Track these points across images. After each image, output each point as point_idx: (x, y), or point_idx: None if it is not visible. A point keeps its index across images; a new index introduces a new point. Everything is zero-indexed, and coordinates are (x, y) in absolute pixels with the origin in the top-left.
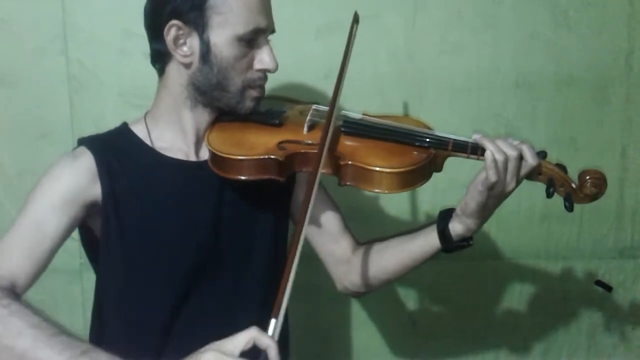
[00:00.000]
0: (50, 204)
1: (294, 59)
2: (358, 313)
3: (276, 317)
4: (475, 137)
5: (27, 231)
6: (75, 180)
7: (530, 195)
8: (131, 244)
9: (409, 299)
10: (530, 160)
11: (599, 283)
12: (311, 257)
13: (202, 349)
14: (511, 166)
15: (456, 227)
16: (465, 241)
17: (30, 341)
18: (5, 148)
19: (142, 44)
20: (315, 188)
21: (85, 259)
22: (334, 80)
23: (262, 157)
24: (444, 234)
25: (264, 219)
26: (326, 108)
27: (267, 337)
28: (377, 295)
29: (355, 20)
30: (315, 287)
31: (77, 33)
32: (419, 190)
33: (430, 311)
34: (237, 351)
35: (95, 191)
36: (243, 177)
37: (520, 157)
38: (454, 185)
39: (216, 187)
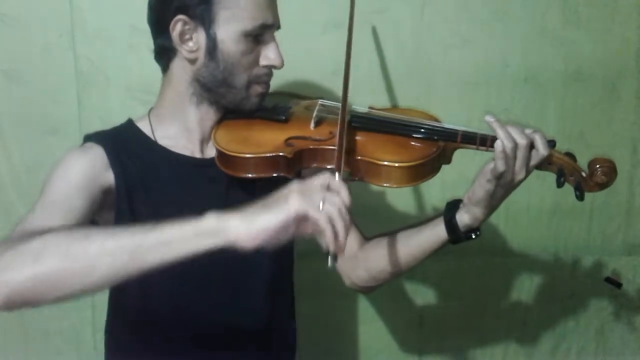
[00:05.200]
0: (69, 185)
1: (301, 54)
2: (365, 309)
3: (339, 170)
4: (488, 119)
5: (51, 207)
6: (91, 164)
7: (539, 191)
8: None
9: (417, 295)
10: (542, 149)
11: (608, 280)
12: (318, 253)
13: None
14: (520, 154)
15: (463, 217)
16: (473, 232)
17: (102, 235)
18: (13, 144)
19: (149, 40)
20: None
21: None
22: (341, 76)
23: (270, 154)
24: (451, 224)
25: None
26: (332, 103)
27: (338, 181)
28: (384, 291)
29: None
30: (322, 283)
31: (85, 29)
32: (426, 184)
33: (438, 307)
34: (321, 190)
35: (109, 178)
36: (251, 175)
37: (531, 146)
38: (462, 179)
39: (223, 185)
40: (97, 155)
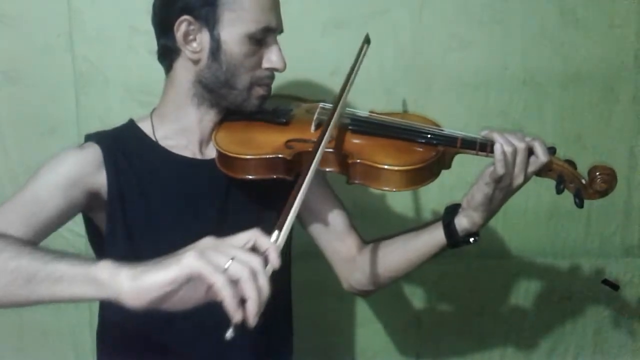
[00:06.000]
0: (51, 183)
1: (300, 55)
2: (363, 311)
3: (280, 229)
4: (484, 133)
5: (24, 205)
6: (80, 165)
7: (537, 193)
8: (136, 240)
9: (414, 297)
10: (542, 156)
11: (606, 282)
12: (316, 254)
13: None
14: (519, 159)
15: (462, 221)
16: (471, 236)
17: (9, 253)
18: (12, 144)
19: (148, 41)
20: (308, 179)
21: (91, 256)
22: (340, 77)
23: (270, 156)
24: (449, 228)
25: (269, 218)
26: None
27: (267, 240)
28: (382, 293)
29: (366, 40)
30: (320, 284)
31: (83, 30)
32: (425, 188)
33: (435, 309)
34: (234, 248)
35: (99, 180)
36: (251, 177)
37: (529, 151)
38: (461, 183)
39: (222, 186)
40: (90, 155)
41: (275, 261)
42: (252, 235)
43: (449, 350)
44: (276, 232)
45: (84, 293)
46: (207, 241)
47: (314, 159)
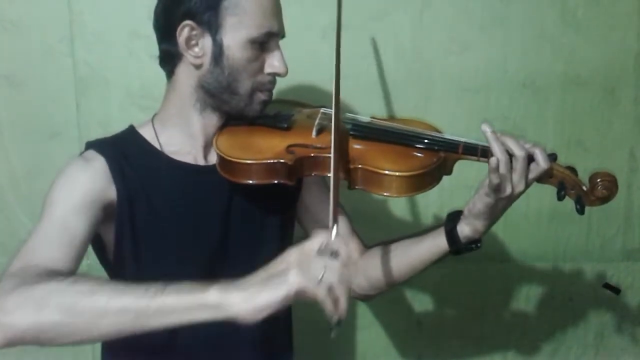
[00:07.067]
0: (71, 206)
1: (300, 59)
2: (363, 314)
3: (335, 221)
4: (484, 128)
5: (54, 232)
6: (93, 181)
7: (538, 197)
8: (142, 246)
9: (415, 300)
10: (542, 163)
11: (607, 286)
12: None
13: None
14: (519, 166)
15: (464, 229)
16: (473, 243)
17: (107, 294)
18: (13, 149)
19: (149, 46)
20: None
21: (91, 260)
22: (341, 81)
23: (271, 161)
24: (451, 235)
25: (271, 223)
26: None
27: (334, 238)
28: (382, 296)
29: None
30: None
31: (84, 34)
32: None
33: (436, 313)
34: (319, 257)
35: (111, 193)
36: (252, 182)
37: (530, 159)
38: (461, 186)
39: (225, 192)
40: (98, 170)
41: (348, 255)
42: (323, 239)
43: (450, 353)
44: (336, 227)
45: (201, 318)
46: (295, 254)
47: (337, 206)
